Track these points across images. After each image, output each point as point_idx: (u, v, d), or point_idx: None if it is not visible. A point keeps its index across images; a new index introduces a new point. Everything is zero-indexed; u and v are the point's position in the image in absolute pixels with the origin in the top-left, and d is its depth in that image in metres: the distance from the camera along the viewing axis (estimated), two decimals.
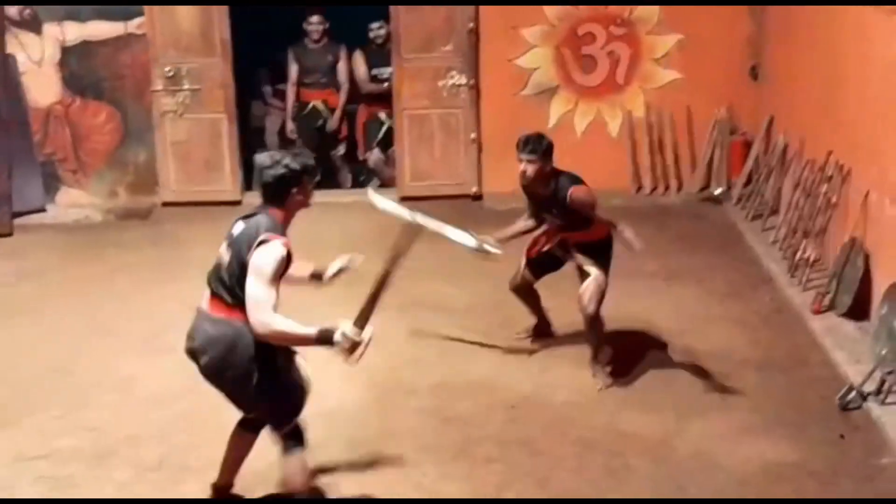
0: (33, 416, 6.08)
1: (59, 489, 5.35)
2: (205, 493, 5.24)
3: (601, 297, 6.28)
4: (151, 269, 8.32)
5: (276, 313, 4.58)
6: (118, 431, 5.89)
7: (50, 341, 7.08)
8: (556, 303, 6.98)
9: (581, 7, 9.53)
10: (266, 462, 5.27)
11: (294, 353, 4.89)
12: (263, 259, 4.58)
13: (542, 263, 6.62)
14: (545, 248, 6.53)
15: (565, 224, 6.35)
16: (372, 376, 6.45)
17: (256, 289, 4.57)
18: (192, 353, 4.93)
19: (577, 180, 6.30)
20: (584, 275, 6.34)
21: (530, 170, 6.17)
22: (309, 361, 6.60)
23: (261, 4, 10.05)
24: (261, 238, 4.62)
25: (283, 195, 4.78)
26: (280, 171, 4.73)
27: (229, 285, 4.72)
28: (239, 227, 4.77)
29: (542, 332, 6.94)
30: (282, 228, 4.78)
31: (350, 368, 6.50)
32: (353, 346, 4.62)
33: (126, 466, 5.55)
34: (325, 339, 4.62)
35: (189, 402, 6.18)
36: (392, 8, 9.50)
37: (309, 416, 5.97)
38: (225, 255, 4.78)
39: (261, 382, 4.69)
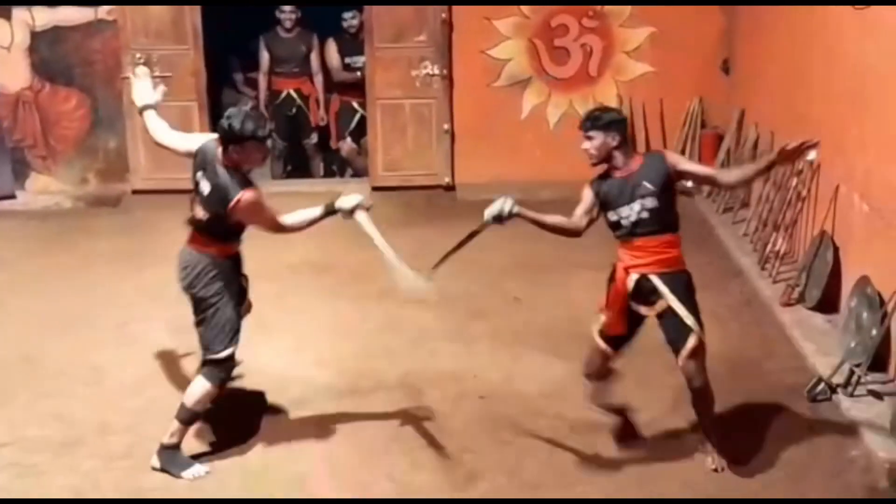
0: (1, 405, 6.02)
1: (25, 477, 5.32)
2: (170, 483, 5.23)
3: (705, 357, 5.32)
4: (121, 257, 8.27)
5: (283, 217, 5.39)
6: (86, 420, 5.85)
7: (18, 329, 7.02)
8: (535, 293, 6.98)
9: None
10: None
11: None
12: (250, 213, 5.22)
13: (625, 321, 5.47)
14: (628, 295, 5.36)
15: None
16: (342, 365, 6.45)
17: (264, 224, 5.36)
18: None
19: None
20: (669, 323, 5.35)
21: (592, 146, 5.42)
22: (281, 349, 6.61)
23: None
24: (232, 203, 5.14)
25: (225, 146, 5.15)
26: (224, 124, 5.11)
27: (207, 226, 5.33)
28: (206, 184, 5.26)
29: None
30: (241, 175, 5.21)
31: (320, 357, 6.53)
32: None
33: (93, 455, 5.52)
34: (329, 210, 5.48)
35: (158, 392, 6.17)
36: None
37: (278, 406, 6.00)
38: (204, 191, 5.28)
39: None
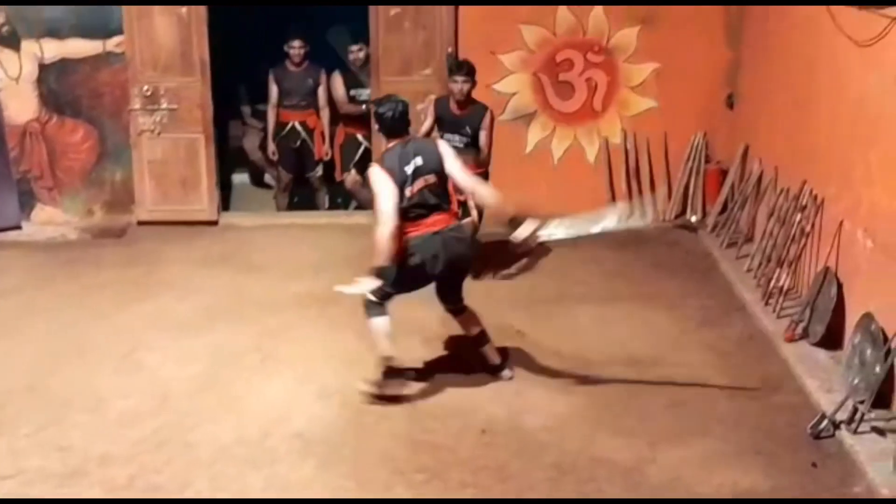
0: (2, 435, 6.02)
1: None
2: None
3: None
4: (126, 288, 8.28)
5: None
6: (89, 451, 5.84)
7: (22, 359, 7.02)
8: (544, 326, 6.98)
9: (559, 34, 9.58)
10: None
11: None
12: (444, 144, 6.57)
13: None
14: None
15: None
16: (346, 397, 6.44)
17: (458, 162, 6.36)
18: (449, 263, 6.32)
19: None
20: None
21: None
22: (285, 381, 6.62)
23: (241, 24, 10.09)
24: (438, 142, 6.63)
25: (408, 123, 6.35)
26: (400, 108, 6.27)
27: (446, 194, 6.38)
28: (417, 159, 6.19)
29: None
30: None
31: (324, 388, 6.53)
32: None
33: (95, 486, 5.51)
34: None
35: (160, 422, 6.17)
36: (372, 30, 9.53)
37: (281, 437, 6.00)
38: (429, 178, 6.21)
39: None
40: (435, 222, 6.21)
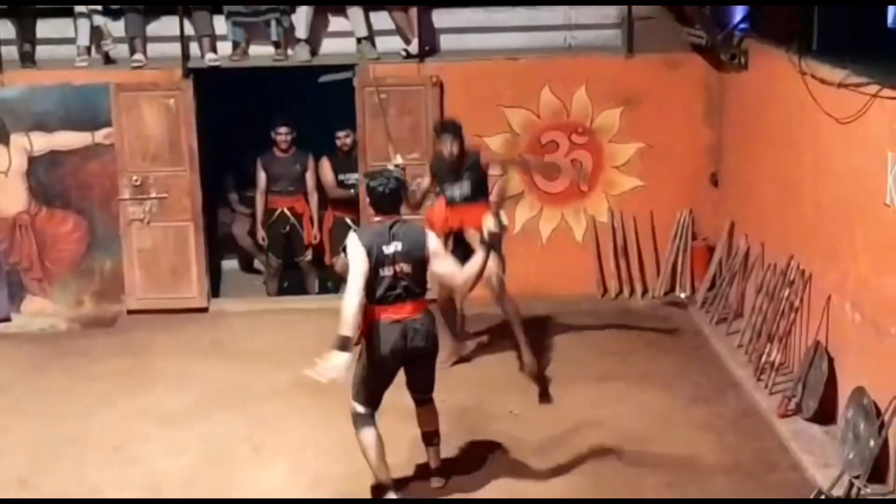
0: None
1: None
2: None
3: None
4: (117, 380, 8.24)
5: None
6: None
7: (14, 453, 6.98)
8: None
9: (543, 116, 9.70)
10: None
11: None
12: (435, 242, 6.16)
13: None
14: None
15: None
16: (339, 486, 6.40)
17: (447, 262, 6.20)
18: (408, 354, 6.10)
19: None
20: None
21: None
22: (278, 471, 6.58)
23: (227, 112, 10.19)
24: (427, 232, 6.23)
25: (399, 202, 6.17)
26: (392, 184, 6.07)
27: (419, 283, 6.09)
28: (398, 244, 5.97)
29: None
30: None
31: (317, 477, 6.48)
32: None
33: None
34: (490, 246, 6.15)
35: None
36: (358, 116, 9.62)
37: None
38: (403, 266, 5.98)
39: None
40: (399, 310, 6.00)
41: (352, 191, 9.97)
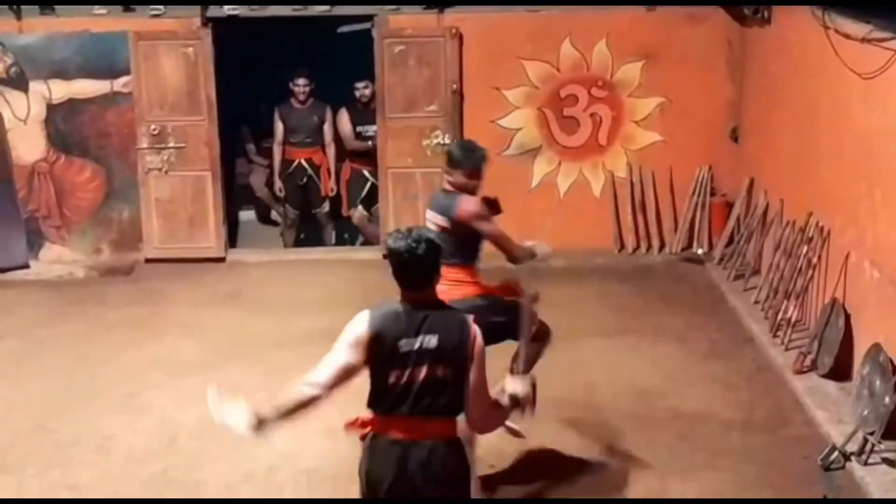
0: (11, 474, 6.03)
1: None
2: None
3: None
4: (134, 327, 8.29)
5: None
6: (98, 490, 5.84)
7: (30, 399, 7.03)
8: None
9: (563, 69, 9.63)
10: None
11: None
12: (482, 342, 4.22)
13: None
14: None
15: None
16: (351, 435, 6.41)
17: (483, 374, 4.21)
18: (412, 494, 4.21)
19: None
20: None
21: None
22: (290, 422, 6.58)
23: (246, 62, 10.15)
24: (471, 325, 4.20)
25: (433, 275, 4.20)
26: (422, 249, 4.12)
27: (453, 396, 4.17)
28: (429, 338, 4.11)
29: None
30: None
31: (331, 426, 6.50)
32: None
33: None
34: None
35: (168, 461, 6.17)
36: (377, 67, 9.58)
37: (288, 474, 5.98)
38: (432, 369, 4.11)
39: None
40: (408, 427, 4.15)
41: (369, 143, 9.94)
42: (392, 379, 4.10)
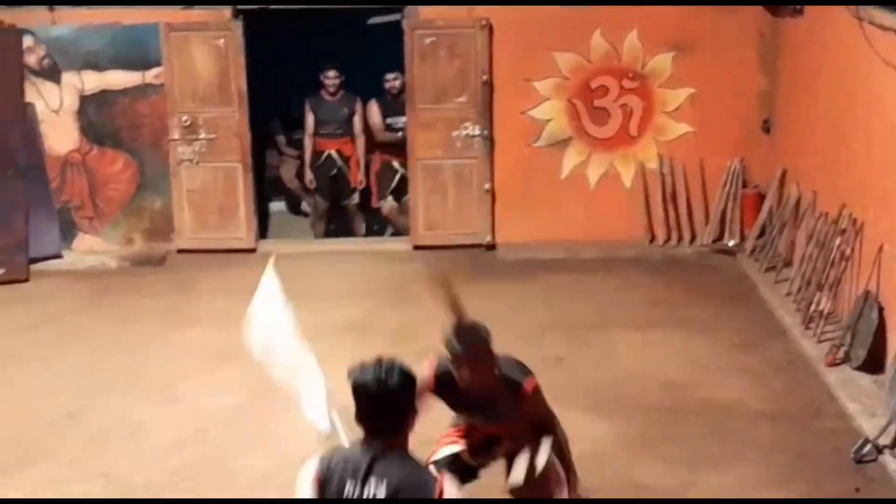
0: (45, 461, 6.08)
1: None
2: None
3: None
4: (165, 317, 8.34)
5: None
6: (131, 478, 5.89)
7: (63, 387, 7.09)
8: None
9: (593, 60, 9.60)
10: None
11: None
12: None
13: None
14: None
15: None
16: None
17: None
18: None
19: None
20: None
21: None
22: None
23: (277, 55, 10.18)
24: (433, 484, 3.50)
25: (401, 418, 3.54)
26: (394, 381, 3.48)
27: None
28: (376, 487, 3.46)
29: None
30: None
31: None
32: None
33: None
34: None
35: (199, 450, 6.21)
36: (407, 59, 9.58)
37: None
38: None
39: None
40: None
41: (399, 134, 9.95)
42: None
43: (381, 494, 3.41)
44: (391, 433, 3.49)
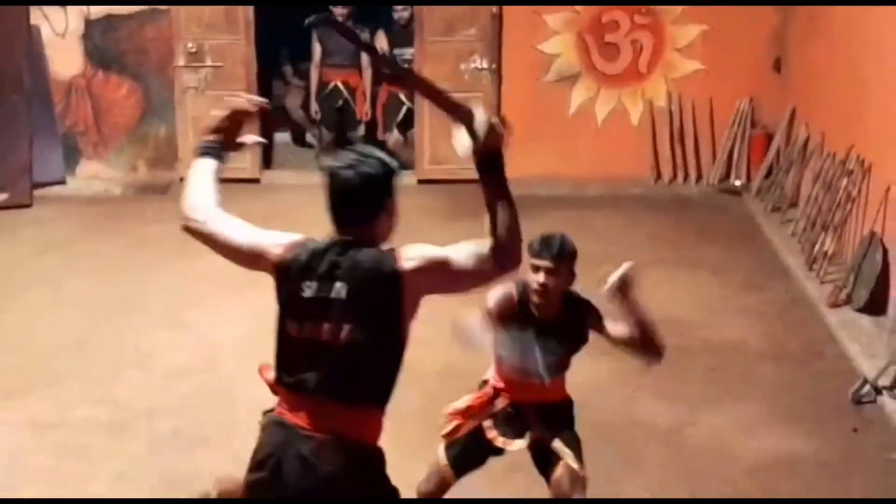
0: (50, 386, 6.12)
1: (72, 458, 5.40)
2: (216, 464, 5.27)
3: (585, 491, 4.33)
4: (170, 244, 8.29)
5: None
6: (136, 403, 5.93)
7: (70, 314, 7.12)
8: None
9: None
10: None
11: None
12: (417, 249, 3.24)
13: (472, 451, 4.53)
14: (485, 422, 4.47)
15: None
16: None
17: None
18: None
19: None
20: (548, 459, 4.41)
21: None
22: None
23: None
24: (397, 264, 3.17)
25: (370, 211, 3.30)
26: (366, 169, 3.23)
27: (366, 374, 3.23)
28: (337, 285, 3.18)
29: None
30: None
31: None
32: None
33: (140, 438, 5.59)
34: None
35: (205, 377, 6.25)
36: None
37: None
38: (338, 328, 3.16)
39: None
40: (298, 411, 3.20)
41: (407, 66, 9.87)
42: (291, 331, 3.19)
43: (342, 293, 3.13)
44: (359, 225, 3.23)
